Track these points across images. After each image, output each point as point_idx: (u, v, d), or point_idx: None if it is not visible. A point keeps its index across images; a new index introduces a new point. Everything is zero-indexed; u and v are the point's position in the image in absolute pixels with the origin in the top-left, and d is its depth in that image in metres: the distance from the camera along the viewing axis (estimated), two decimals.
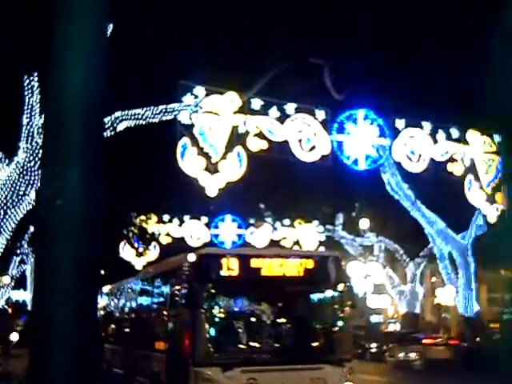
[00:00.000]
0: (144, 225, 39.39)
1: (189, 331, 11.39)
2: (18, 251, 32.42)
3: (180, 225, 42.45)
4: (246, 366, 11.15)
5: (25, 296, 50.41)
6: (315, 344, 12.70)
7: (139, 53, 20.81)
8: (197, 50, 23.58)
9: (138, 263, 45.16)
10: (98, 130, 3.30)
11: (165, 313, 14.00)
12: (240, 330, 12.11)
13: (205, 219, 42.15)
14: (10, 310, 43.35)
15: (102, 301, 24.19)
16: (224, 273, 11.50)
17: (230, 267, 11.54)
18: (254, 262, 11.91)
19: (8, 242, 20.85)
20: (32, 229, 28.04)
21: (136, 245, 41.94)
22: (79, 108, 3.19)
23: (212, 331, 11.62)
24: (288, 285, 12.31)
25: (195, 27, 24.11)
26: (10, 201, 19.41)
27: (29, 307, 43.05)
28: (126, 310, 19.66)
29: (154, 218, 40.43)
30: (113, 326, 21.72)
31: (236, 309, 12.54)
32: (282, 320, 12.67)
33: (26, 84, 19.12)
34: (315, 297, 13.26)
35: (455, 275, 37.06)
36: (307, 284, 12.56)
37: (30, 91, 19.18)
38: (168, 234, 42.10)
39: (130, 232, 41.02)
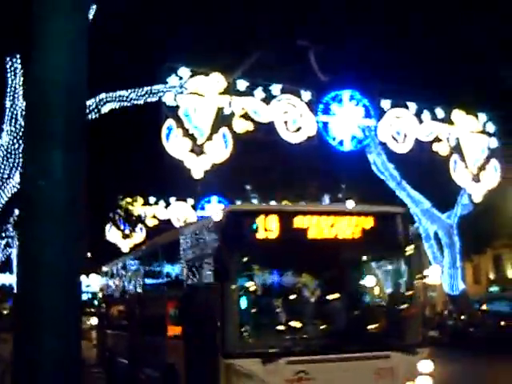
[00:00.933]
0: (130, 207, 39.39)
1: (216, 312, 8.94)
2: (4, 234, 32.29)
3: (166, 207, 42.37)
4: (293, 357, 8.85)
5: (11, 279, 50.29)
6: (379, 326, 10.21)
7: (124, 34, 20.66)
8: (182, 31, 23.44)
9: (124, 245, 45.13)
10: (80, 111, 3.27)
11: (182, 291, 11.02)
12: (283, 310, 9.70)
13: (191, 201, 42.10)
14: None
15: (101, 281, 22.92)
16: (260, 235, 9.11)
17: (268, 228, 9.11)
18: (300, 221, 9.40)
19: None
20: (17, 212, 27.92)
21: (122, 227, 41.99)
22: (61, 90, 3.17)
23: (247, 312, 9.31)
24: (343, 250, 9.80)
25: (181, 8, 23.96)
26: None
27: (15, 290, 42.95)
28: (131, 289, 16.36)
29: (140, 200, 40.38)
30: (115, 308, 19.02)
31: (277, 283, 10.05)
32: (336, 296, 10.13)
33: (8, 66, 18.94)
34: (378, 265, 10.79)
35: (441, 254, 37.27)
36: (368, 249, 10.15)
37: (12, 73, 19.02)
38: (154, 216, 42.04)
39: (115, 214, 41.01)
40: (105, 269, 21.71)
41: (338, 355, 8.96)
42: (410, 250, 9.94)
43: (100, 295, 24.34)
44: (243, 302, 9.25)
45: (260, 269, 9.68)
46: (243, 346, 8.88)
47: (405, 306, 10.13)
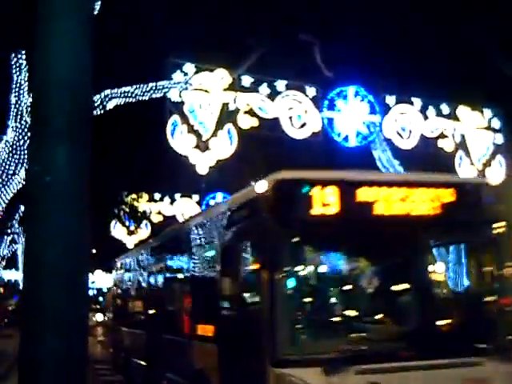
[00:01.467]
0: (135, 203, 39.39)
1: (263, 309, 6.93)
2: (9, 231, 32.36)
3: (171, 203, 42.40)
4: (364, 365, 6.69)
5: (16, 276, 50.44)
6: (465, 325, 8.02)
7: (128, 30, 20.65)
8: (186, 27, 23.44)
9: (130, 242, 45.21)
10: (85, 108, 3.28)
11: (215, 282, 9.03)
12: (348, 306, 7.78)
13: (196, 197, 42.09)
14: (1, 290, 43.40)
15: (115, 274, 22.04)
16: (319, 210, 7.09)
17: (327, 201, 7.13)
18: (366, 193, 7.38)
19: None
20: (23, 208, 27.99)
21: (127, 223, 42.00)
22: (66, 88, 3.18)
23: (303, 307, 7.43)
24: (419, 230, 7.70)
25: (185, 3, 23.95)
26: (0, 180, 19.32)
27: (21, 287, 43.08)
28: (151, 282, 14.37)
29: (145, 196, 40.37)
30: (132, 304, 17.10)
31: (340, 271, 8.08)
32: (412, 287, 8.25)
33: (13, 62, 18.95)
34: (460, 248, 8.38)
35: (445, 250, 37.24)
36: (449, 227, 7.99)
37: (17, 69, 19.02)
38: (159, 213, 42.06)
39: (120, 211, 41.02)
40: (119, 261, 20.54)
41: (418, 362, 6.88)
42: (499, 228, 7.84)
43: (114, 289, 23.47)
44: (298, 295, 7.30)
45: (319, 253, 7.68)
46: (299, 350, 6.76)
47: (493, 298, 8.02)
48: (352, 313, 7.72)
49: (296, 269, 7.29)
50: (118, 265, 20.57)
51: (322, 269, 7.82)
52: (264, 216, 7.23)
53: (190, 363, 9.71)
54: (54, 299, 3.03)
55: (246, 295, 7.82)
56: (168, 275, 12.82)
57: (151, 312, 13.95)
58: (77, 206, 3.16)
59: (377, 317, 7.85)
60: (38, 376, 3.00)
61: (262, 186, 7.59)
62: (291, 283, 7.03)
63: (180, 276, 11.91)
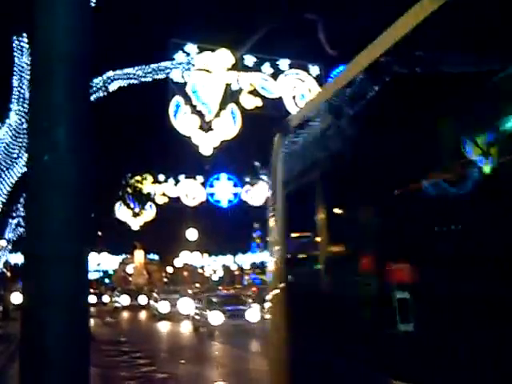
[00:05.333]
0: (139, 185, 39.39)
1: None
2: (14, 214, 32.44)
3: (175, 184, 42.44)
4: None
5: (22, 259, 50.63)
6: None
7: (130, 11, 20.54)
8: (188, 7, 23.27)
9: (135, 223, 45.31)
10: (84, 85, 3.23)
11: None
12: None
13: (200, 178, 42.13)
14: (8, 274, 43.56)
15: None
16: None
17: None
18: None
19: (3, 205, 20.81)
20: None
21: (132, 205, 42.04)
22: (65, 63, 3.12)
23: None
24: None
25: None
26: (4, 163, 19.31)
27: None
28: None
29: (150, 178, 40.39)
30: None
31: None
32: None
33: (15, 45, 18.86)
34: None
35: None
36: None
37: (19, 52, 18.93)
38: (164, 194, 42.12)
39: (125, 192, 41.03)
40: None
41: None
42: None
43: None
44: None
45: None
46: None
47: None
48: None
49: None
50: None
51: None
52: None
53: None
54: (54, 282, 2.99)
55: None
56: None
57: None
58: (77, 187, 3.12)
59: None
60: (40, 360, 2.99)
61: None
62: None
63: None
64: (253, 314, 26.65)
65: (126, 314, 45.75)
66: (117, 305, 50.39)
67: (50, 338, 2.95)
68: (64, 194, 3.02)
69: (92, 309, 49.17)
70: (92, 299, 55.59)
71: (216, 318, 26.65)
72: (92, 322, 37.47)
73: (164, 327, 33.72)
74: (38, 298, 2.96)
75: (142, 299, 49.83)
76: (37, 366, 2.95)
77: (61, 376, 2.99)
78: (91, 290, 62.18)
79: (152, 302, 42.65)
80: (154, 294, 43.55)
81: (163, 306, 38.57)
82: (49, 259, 2.96)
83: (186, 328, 31.85)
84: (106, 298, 56.18)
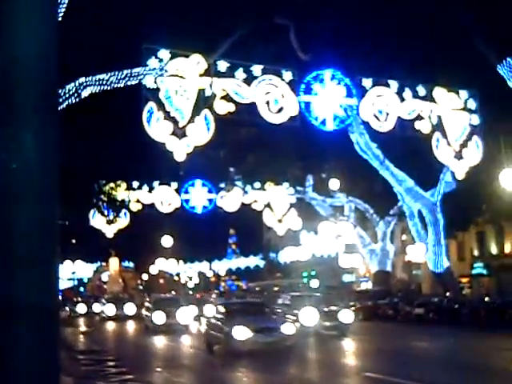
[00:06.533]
0: (113, 192, 39.13)
1: None
2: None
3: (150, 191, 42.27)
4: None
5: None
6: None
7: (102, 17, 20.43)
8: (160, 13, 23.21)
9: (109, 231, 45.02)
10: (50, 89, 3.19)
11: None
12: None
13: (175, 185, 42.02)
14: None
15: None
16: None
17: None
18: None
19: None
20: None
21: (106, 212, 41.73)
22: (29, 67, 3.10)
23: None
24: None
25: None
26: None
27: None
28: None
29: (123, 185, 40.18)
30: None
31: None
32: None
33: None
34: None
35: (425, 232, 37.50)
36: None
37: None
38: (138, 201, 41.92)
39: (99, 200, 40.73)
40: None
41: None
42: None
43: None
44: None
45: None
46: None
47: None
48: None
49: None
50: None
51: None
52: None
53: None
54: (23, 288, 2.97)
55: None
56: None
57: None
58: (45, 194, 3.09)
59: None
60: (8, 365, 2.96)
61: None
62: None
63: None
64: None
65: (111, 326, 41.07)
66: (102, 315, 46.59)
67: (17, 343, 2.92)
68: (30, 199, 2.98)
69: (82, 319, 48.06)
70: (82, 309, 53.24)
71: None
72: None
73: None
74: (4, 303, 2.93)
75: (129, 308, 45.24)
76: (3, 370, 2.91)
77: (29, 381, 2.96)
78: (79, 299, 60.58)
79: (144, 312, 36.39)
80: (146, 303, 37.93)
81: (158, 317, 32.14)
82: (16, 263, 2.93)
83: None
84: (82, 308, 54.78)
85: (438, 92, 30.13)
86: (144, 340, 29.36)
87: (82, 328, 39.37)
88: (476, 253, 49.43)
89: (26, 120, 3.03)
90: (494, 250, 47.61)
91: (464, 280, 47.25)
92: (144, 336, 31.33)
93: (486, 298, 33.97)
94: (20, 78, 3.04)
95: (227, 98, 24.87)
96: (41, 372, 2.99)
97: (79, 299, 61.92)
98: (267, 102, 25.85)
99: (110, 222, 43.69)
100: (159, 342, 28.27)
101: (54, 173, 3.13)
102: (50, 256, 3.08)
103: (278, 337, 19.23)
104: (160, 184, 42.06)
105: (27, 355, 2.95)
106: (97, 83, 22.26)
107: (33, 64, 3.06)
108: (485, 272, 47.60)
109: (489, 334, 25.56)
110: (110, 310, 45.90)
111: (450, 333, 26.18)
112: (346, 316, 25.96)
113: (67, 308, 48.50)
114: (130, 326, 40.39)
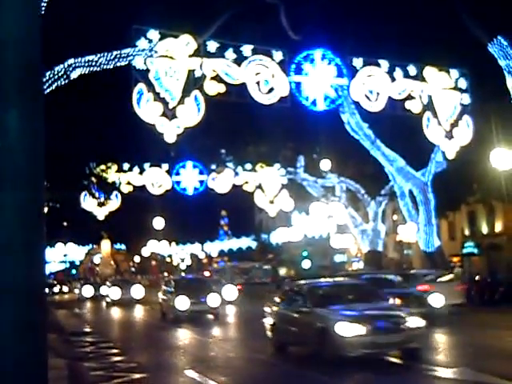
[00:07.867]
0: (104, 174, 39.08)
1: None
2: None
3: (141, 173, 42.07)
4: None
5: None
6: None
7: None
8: None
9: (100, 213, 44.93)
10: (34, 70, 3.15)
11: None
12: None
13: (166, 166, 41.86)
14: None
15: None
16: None
17: None
18: None
19: None
20: None
21: (97, 194, 41.70)
22: (12, 48, 3.05)
23: None
24: None
25: None
26: None
27: None
28: None
29: (114, 166, 40.08)
30: None
31: None
32: None
33: None
34: None
35: (416, 212, 37.58)
36: None
37: None
38: (129, 183, 41.73)
39: (90, 182, 40.70)
40: None
41: None
42: None
43: None
44: None
45: None
46: None
47: None
48: None
49: None
50: None
51: None
52: None
53: None
54: (9, 270, 2.95)
55: None
56: None
57: None
58: (31, 174, 3.06)
59: None
60: None
61: None
62: None
63: None
64: None
65: (117, 313, 36.91)
66: (107, 300, 42.77)
67: (2, 325, 2.91)
68: (17, 182, 2.95)
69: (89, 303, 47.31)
70: (89, 291, 51.52)
71: None
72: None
73: None
74: None
75: (137, 291, 42.65)
76: None
77: (16, 363, 2.94)
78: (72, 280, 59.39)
79: (161, 296, 29.76)
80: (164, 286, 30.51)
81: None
82: (3, 248, 2.91)
83: None
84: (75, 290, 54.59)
85: (429, 71, 30.07)
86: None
87: (76, 310, 39.33)
88: (467, 232, 49.66)
89: (11, 103, 3.00)
90: (484, 229, 47.84)
91: (455, 259, 47.49)
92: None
93: (477, 277, 34.13)
94: (3, 61, 2.99)
95: (217, 78, 24.73)
96: (28, 353, 2.98)
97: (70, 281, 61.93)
98: (257, 83, 25.72)
99: (101, 205, 43.65)
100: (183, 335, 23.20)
101: (39, 156, 3.09)
102: (36, 240, 3.05)
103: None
104: (151, 166, 41.87)
105: (13, 338, 2.93)
106: (86, 64, 22.11)
107: (16, 47, 3.02)
108: (476, 251, 47.87)
109: (479, 311, 25.80)
110: (114, 293, 42.07)
111: None
112: None
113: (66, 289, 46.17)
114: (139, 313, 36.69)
